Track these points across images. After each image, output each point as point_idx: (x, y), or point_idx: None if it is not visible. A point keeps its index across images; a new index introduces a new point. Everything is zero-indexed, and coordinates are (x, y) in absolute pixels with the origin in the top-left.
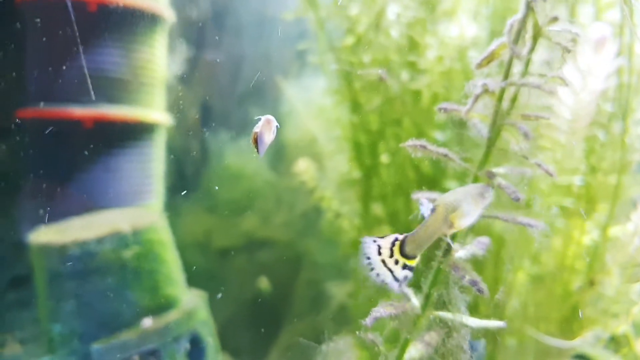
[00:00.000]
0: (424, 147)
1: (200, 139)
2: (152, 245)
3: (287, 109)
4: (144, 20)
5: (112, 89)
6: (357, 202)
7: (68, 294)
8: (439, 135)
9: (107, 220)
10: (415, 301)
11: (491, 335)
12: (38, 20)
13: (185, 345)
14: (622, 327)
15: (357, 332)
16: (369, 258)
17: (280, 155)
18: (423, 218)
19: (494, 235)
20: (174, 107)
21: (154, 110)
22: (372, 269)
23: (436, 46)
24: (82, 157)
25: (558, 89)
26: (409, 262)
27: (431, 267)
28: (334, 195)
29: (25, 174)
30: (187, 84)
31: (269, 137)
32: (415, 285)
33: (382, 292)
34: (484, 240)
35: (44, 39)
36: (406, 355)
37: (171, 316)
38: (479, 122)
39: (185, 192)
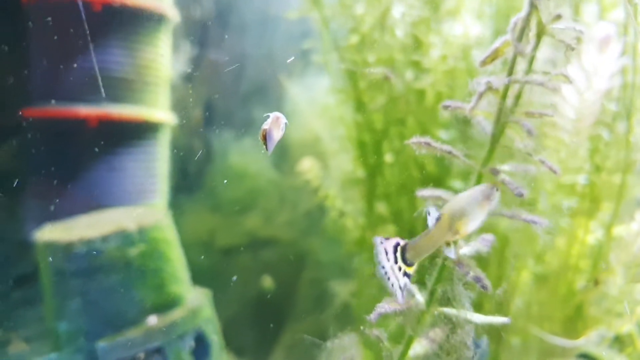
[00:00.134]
0: (428, 144)
1: (204, 138)
2: (157, 243)
3: (291, 108)
4: (148, 20)
5: (117, 88)
6: (361, 201)
7: (73, 292)
8: (443, 134)
9: (112, 219)
10: (420, 297)
11: (495, 334)
12: (43, 20)
13: (190, 343)
14: (626, 327)
15: (362, 327)
16: (384, 267)
17: (284, 154)
18: (427, 227)
19: (498, 234)
20: (178, 106)
21: (158, 109)
22: (388, 279)
23: (440, 45)
24: (87, 156)
25: (562, 88)
26: (407, 269)
27: (436, 263)
28: (338, 194)
29: (31, 173)
30: (191, 83)
31: (277, 134)
32: (420, 281)
33: (385, 290)
34: (489, 237)
35: (49, 39)
36: (411, 352)
37: (176, 314)
38: (483, 119)
39: (189, 189)
